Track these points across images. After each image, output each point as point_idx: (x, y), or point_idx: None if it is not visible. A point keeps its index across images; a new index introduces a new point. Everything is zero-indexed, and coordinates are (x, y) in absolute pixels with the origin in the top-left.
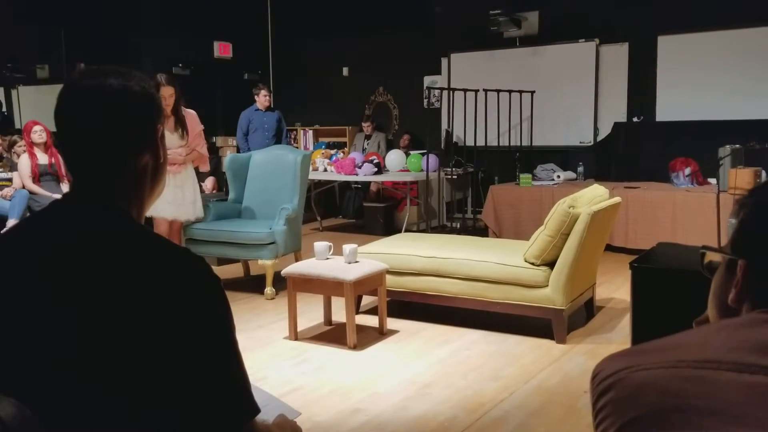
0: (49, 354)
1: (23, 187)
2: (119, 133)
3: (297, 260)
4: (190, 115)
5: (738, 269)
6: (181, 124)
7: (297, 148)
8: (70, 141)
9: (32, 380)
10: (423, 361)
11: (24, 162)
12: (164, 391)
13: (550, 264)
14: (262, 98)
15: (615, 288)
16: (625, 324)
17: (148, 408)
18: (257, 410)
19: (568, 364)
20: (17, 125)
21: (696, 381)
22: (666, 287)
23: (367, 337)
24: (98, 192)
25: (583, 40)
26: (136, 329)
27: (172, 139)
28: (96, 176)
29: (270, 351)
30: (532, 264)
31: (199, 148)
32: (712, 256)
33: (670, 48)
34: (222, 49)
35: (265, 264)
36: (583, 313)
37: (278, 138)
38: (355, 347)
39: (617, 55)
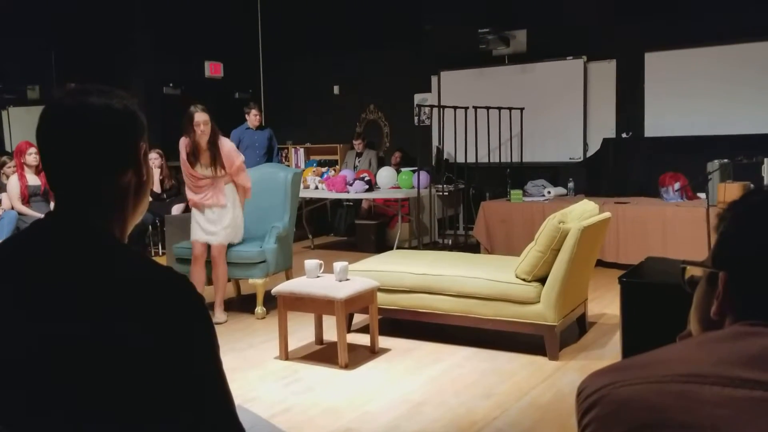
0: (28, 376)
1: (12, 208)
2: (101, 151)
3: (288, 278)
4: (228, 146)
5: (719, 281)
6: (217, 156)
7: (288, 166)
8: (52, 160)
9: (11, 404)
10: (415, 379)
11: (13, 183)
12: (147, 414)
13: (542, 280)
14: (253, 117)
15: (607, 303)
16: (617, 339)
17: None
18: None
19: (561, 381)
20: (7, 146)
21: (680, 396)
22: (655, 301)
23: (359, 356)
24: (81, 211)
25: (571, 57)
26: (117, 351)
27: (206, 171)
28: (78, 195)
29: (260, 371)
30: (523, 280)
31: (240, 180)
32: (693, 271)
33: (657, 64)
34: (213, 69)
35: (255, 283)
36: (575, 329)
37: (269, 156)
38: (346, 366)
39: (605, 72)
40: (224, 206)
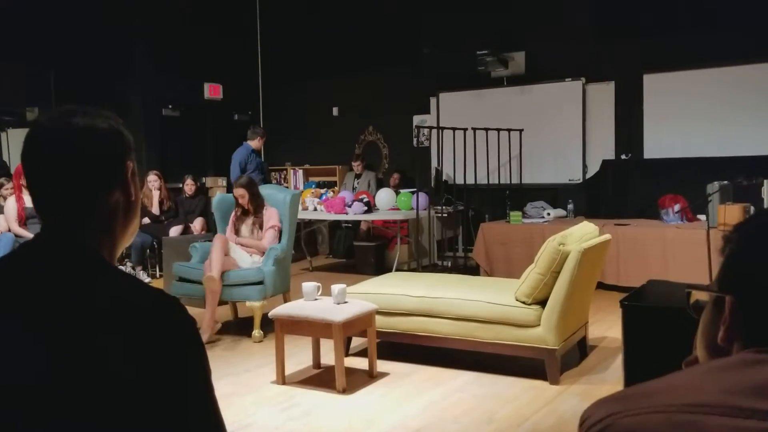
0: (13, 400)
1: (9, 230)
2: (86, 172)
3: (285, 301)
4: (270, 212)
5: (726, 306)
6: (256, 220)
7: (287, 187)
8: (37, 182)
9: None
10: (414, 404)
11: (10, 205)
12: None
13: (542, 303)
14: (258, 142)
15: (608, 326)
16: (619, 363)
17: None
18: None
19: (562, 406)
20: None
21: (686, 426)
22: (657, 325)
23: (357, 380)
24: (68, 232)
25: (570, 78)
26: (106, 374)
27: (246, 231)
28: (65, 216)
29: (257, 396)
30: (523, 303)
31: (264, 239)
32: (699, 295)
33: (656, 86)
34: (212, 91)
35: (253, 306)
36: (576, 353)
37: (266, 178)
38: (344, 391)
39: (604, 94)
40: (251, 257)
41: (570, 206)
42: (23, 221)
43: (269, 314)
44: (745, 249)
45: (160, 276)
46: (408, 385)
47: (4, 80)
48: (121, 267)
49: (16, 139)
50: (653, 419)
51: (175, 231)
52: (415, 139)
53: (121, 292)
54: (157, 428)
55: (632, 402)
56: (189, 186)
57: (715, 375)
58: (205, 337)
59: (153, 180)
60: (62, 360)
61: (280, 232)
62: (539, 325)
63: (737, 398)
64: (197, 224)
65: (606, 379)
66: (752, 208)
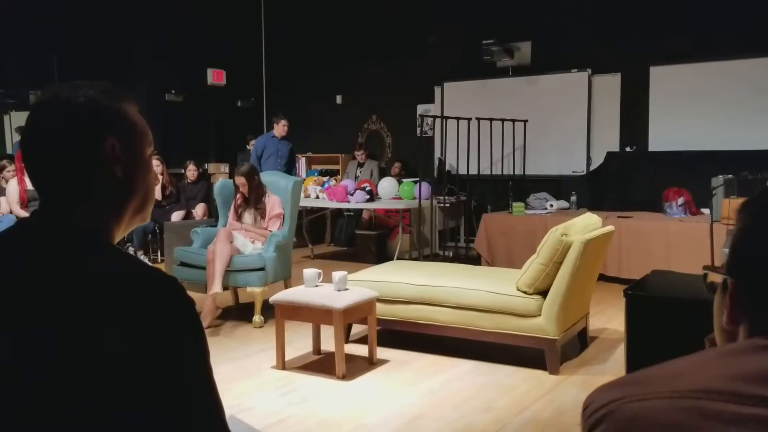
0: (6, 382)
1: (11, 212)
2: (60, 148)
3: (286, 288)
4: (274, 200)
5: (728, 289)
6: (258, 209)
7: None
8: (27, 161)
9: None
10: (413, 392)
11: (12, 187)
12: (133, 420)
13: (543, 293)
14: (281, 127)
15: (608, 318)
16: (619, 355)
17: None
18: None
19: (562, 396)
20: (9, 150)
21: (692, 413)
22: (661, 315)
23: (357, 367)
24: (60, 210)
25: (576, 70)
26: (100, 354)
27: (249, 218)
28: (53, 194)
29: (257, 381)
30: (525, 293)
31: (270, 226)
32: (713, 277)
33: (662, 78)
34: (215, 77)
35: (254, 291)
36: (576, 344)
37: (289, 167)
38: (343, 377)
39: (609, 85)
40: (253, 243)
41: (573, 198)
42: (25, 204)
43: (270, 300)
44: (747, 231)
45: (162, 261)
46: (407, 373)
47: (7, 63)
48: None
49: (18, 121)
50: (658, 405)
51: (176, 216)
52: (418, 129)
53: (117, 271)
54: (153, 409)
55: (636, 387)
56: (191, 172)
57: (722, 361)
58: (205, 323)
59: (155, 165)
60: (56, 339)
61: (283, 219)
62: (540, 315)
63: (743, 385)
64: (199, 210)
65: (606, 371)
66: None
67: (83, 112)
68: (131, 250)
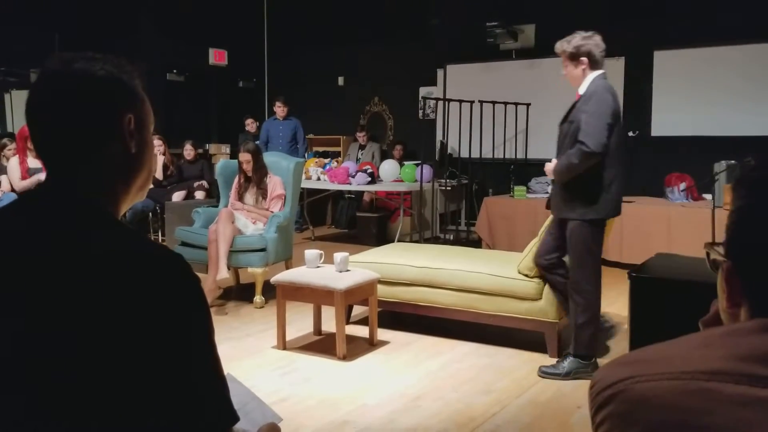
0: (7, 359)
1: (12, 190)
2: (78, 119)
3: (288, 268)
4: (275, 181)
5: (723, 272)
6: (260, 189)
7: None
8: (35, 130)
9: None
10: (413, 373)
11: (13, 164)
12: (136, 396)
13: (544, 276)
14: (277, 108)
15: (609, 302)
16: (620, 338)
17: (118, 415)
18: (236, 418)
19: (561, 379)
20: (9, 129)
21: (702, 395)
22: (665, 297)
23: (357, 348)
24: (65, 183)
25: None
26: (104, 328)
27: (250, 199)
28: (62, 167)
29: (258, 360)
30: (526, 276)
31: (271, 207)
32: (715, 254)
33: (665, 63)
34: (217, 56)
35: (255, 272)
36: None
37: (294, 144)
38: (344, 358)
39: (613, 70)
40: (254, 224)
41: None
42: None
43: (272, 280)
44: (741, 212)
45: (163, 241)
46: (408, 354)
47: (8, 42)
48: None
49: (19, 100)
50: (667, 386)
51: (177, 196)
52: (420, 111)
53: (124, 247)
54: (159, 383)
55: (645, 367)
56: (188, 151)
57: (729, 341)
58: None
59: (157, 145)
60: (59, 313)
61: (284, 200)
62: (541, 298)
63: (752, 366)
64: (199, 193)
65: (606, 354)
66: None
67: (104, 85)
68: None
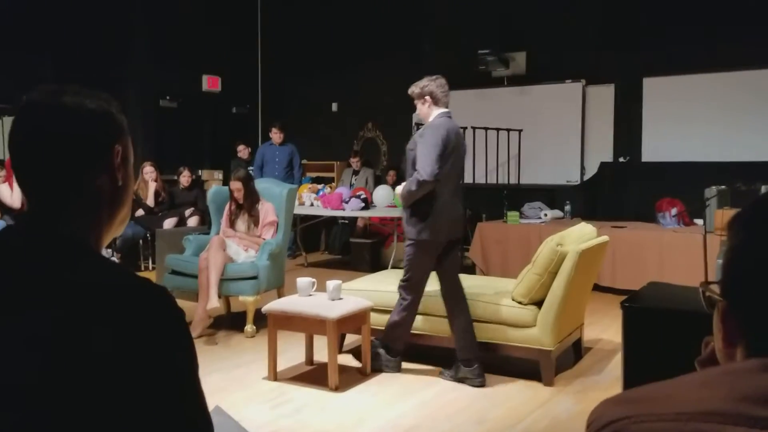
0: None
1: (2, 217)
2: (69, 152)
3: (280, 296)
4: (267, 207)
5: (719, 312)
6: (251, 216)
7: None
8: (21, 163)
9: None
10: (407, 403)
11: (5, 191)
12: (120, 429)
13: (538, 303)
14: (273, 134)
15: (603, 329)
16: (614, 366)
17: None
18: None
19: (556, 408)
20: (0, 155)
21: None
22: (658, 327)
23: (350, 378)
24: (49, 216)
25: (570, 80)
26: (85, 365)
27: (242, 226)
28: (48, 200)
29: (248, 392)
30: (520, 303)
31: (264, 234)
32: (711, 293)
33: (655, 90)
34: (211, 83)
35: (246, 300)
36: (571, 355)
37: (290, 170)
38: (336, 388)
39: (603, 96)
40: (246, 252)
41: (567, 207)
42: (23, 207)
43: (263, 309)
44: (736, 251)
45: (153, 268)
46: (401, 383)
47: (0, 67)
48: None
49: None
50: (663, 428)
51: (169, 223)
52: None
53: (104, 280)
54: (140, 419)
55: (642, 407)
56: (185, 178)
57: (727, 381)
58: (196, 332)
59: (149, 171)
60: (41, 349)
61: (277, 227)
62: (535, 325)
63: (751, 407)
64: (192, 221)
65: (600, 382)
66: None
67: (95, 118)
68: (108, 251)
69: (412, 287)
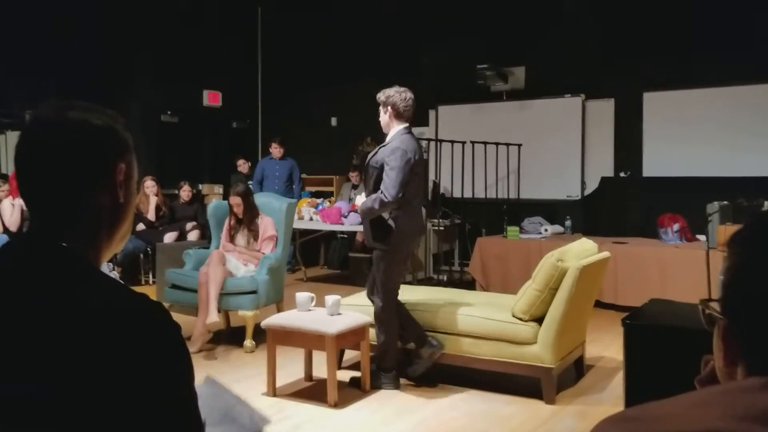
0: None
1: (5, 232)
2: (72, 167)
3: (279, 311)
4: (266, 222)
5: (719, 330)
6: (251, 231)
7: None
8: (25, 176)
9: None
10: (406, 421)
11: (6, 206)
12: None
13: (539, 320)
14: (273, 149)
15: (605, 346)
16: (616, 384)
17: None
18: None
19: (558, 426)
20: (3, 170)
21: None
22: (660, 345)
23: (349, 394)
24: (50, 232)
25: (570, 95)
26: (82, 379)
27: (242, 240)
28: (49, 214)
29: None
30: (520, 319)
31: (263, 248)
32: (711, 310)
33: (655, 104)
34: (211, 98)
35: (245, 315)
36: (572, 372)
37: (290, 185)
38: (336, 405)
39: (603, 111)
40: (245, 266)
41: (568, 223)
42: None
43: (262, 324)
44: (736, 269)
45: (153, 282)
46: (400, 401)
47: (3, 83)
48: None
49: (14, 141)
50: None
51: (169, 237)
52: None
53: (102, 295)
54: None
55: (642, 426)
56: (186, 192)
57: (727, 400)
58: (196, 347)
59: (150, 186)
60: (38, 365)
61: (276, 241)
62: (536, 342)
63: (750, 425)
64: (192, 234)
65: (603, 400)
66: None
67: (100, 134)
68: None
69: (388, 297)
